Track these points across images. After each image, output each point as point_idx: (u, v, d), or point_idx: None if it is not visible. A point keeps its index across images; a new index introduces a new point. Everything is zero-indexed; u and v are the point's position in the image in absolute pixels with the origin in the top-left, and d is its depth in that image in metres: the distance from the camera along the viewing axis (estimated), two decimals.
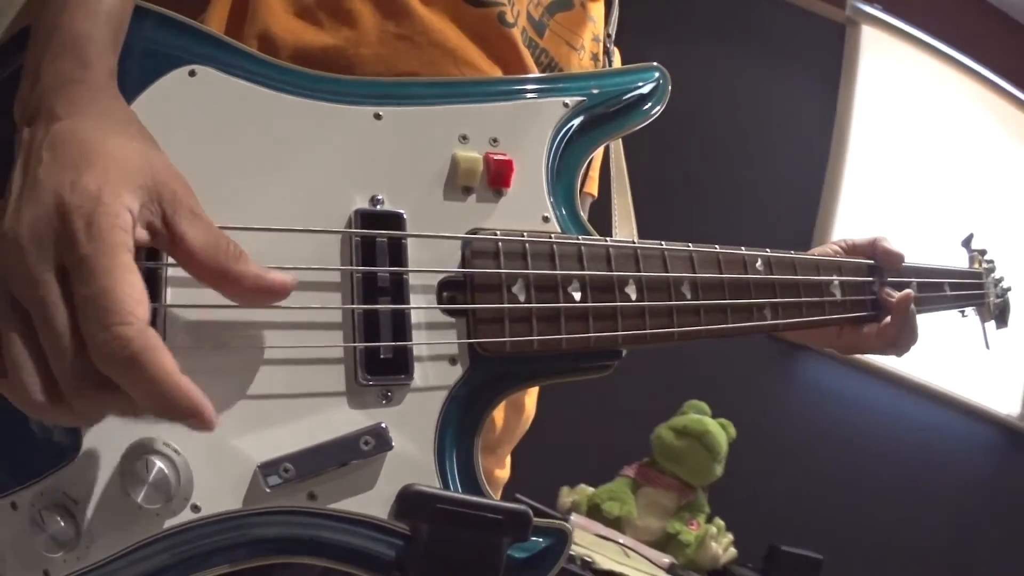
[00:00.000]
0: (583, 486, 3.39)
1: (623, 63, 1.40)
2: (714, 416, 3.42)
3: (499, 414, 1.20)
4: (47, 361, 0.67)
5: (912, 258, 1.41)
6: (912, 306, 1.34)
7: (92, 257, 0.66)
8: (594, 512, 3.23)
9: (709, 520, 3.36)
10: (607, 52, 1.33)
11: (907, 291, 1.35)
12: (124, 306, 0.65)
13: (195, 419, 0.70)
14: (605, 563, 2.82)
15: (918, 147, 4.80)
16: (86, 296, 0.65)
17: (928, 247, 4.25)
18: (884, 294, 1.35)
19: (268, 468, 0.83)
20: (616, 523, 3.22)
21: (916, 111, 4.84)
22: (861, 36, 4.69)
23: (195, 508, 0.81)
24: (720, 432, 3.35)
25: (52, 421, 0.71)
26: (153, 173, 0.73)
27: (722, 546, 3.27)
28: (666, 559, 3.14)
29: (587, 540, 2.97)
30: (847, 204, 4.51)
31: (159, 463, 0.78)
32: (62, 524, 0.76)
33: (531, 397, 1.30)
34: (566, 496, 3.35)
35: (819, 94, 4.60)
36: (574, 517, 3.11)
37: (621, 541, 3.11)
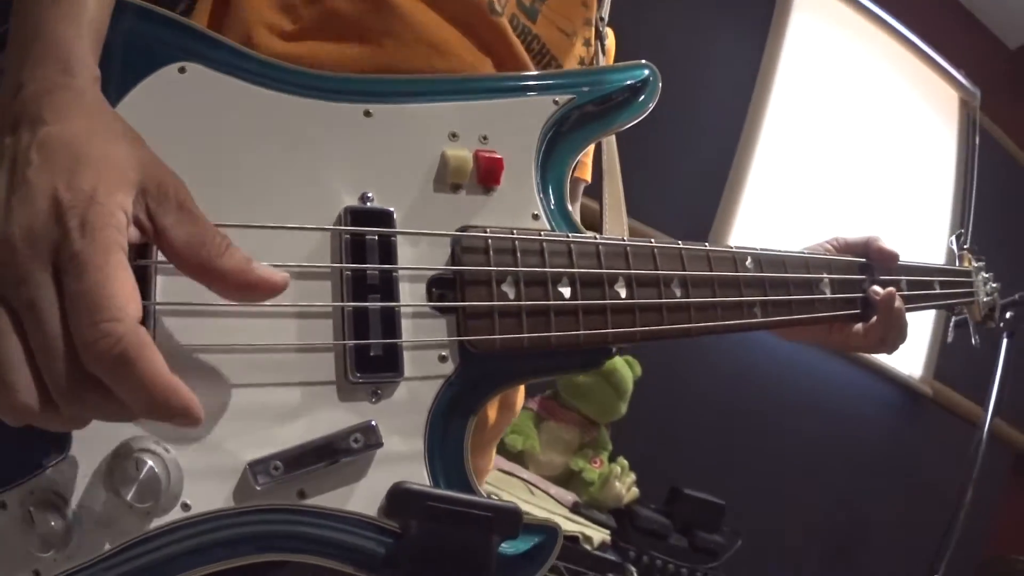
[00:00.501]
0: None
1: (617, 45, 1.40)
2: (621, 354, 3.37)
3: (491, 412, 1.21)
4: (36, 364, 0.67)
5: (904, 256, 1.42)
6: (897, 303, 1.35)
7: (84, 253, 0.65)
8: (497, 445, 3.19)
9: (612, 459, 3.35)
10: (599, 36, 1.32)
11: (890, 289, 1.36)
12: (115, 302, 0.65)
13: (183, 418, 0.70)
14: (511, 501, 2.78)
15: (840, 112, 4.83)
16: (77, 292, 0.65)
17: (844, 218, 4.26)
18: (871, 292, 1.36)
19: (258, 466, 0.83)
20: (519, 457, 3.22)
21: (842, 73, 4.87)
22: None
23: (185, 507, 0.81)
24: (626, 370, 3.34)
25: (39, 426, 0.71)
26: (141, 169, 0.73)
27: (625, 486, 3.26)
28: (570, 497, 3.13)
29: (492, 476, 2.94)
30: (760, 166, 4.50)
31: (149, 462, 0.78)
32: (52, 523, 0.76)
33: (520, 393, 1.30)
34: None
35: (745, 49, 4.61)
36: None
37: (525, 477, 3.10)
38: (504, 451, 3.18)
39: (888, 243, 1.39)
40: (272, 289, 0.77)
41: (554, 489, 3.14)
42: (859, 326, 1.39)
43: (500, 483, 2.96)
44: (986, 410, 3.44)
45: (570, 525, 2.92)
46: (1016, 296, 3.27)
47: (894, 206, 4.94)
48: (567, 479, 3.27)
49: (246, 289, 0.75)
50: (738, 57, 4.58)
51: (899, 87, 5.16)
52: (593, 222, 1.13)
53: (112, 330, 0.64)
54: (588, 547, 2.88)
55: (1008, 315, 3.33)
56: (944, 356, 5.13)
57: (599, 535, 2.95)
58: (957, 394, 5.16)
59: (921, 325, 4.87)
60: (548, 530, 0.96)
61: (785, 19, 4.65)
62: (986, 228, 5.17)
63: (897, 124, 5.13)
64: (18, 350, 0.66)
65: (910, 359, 5.12)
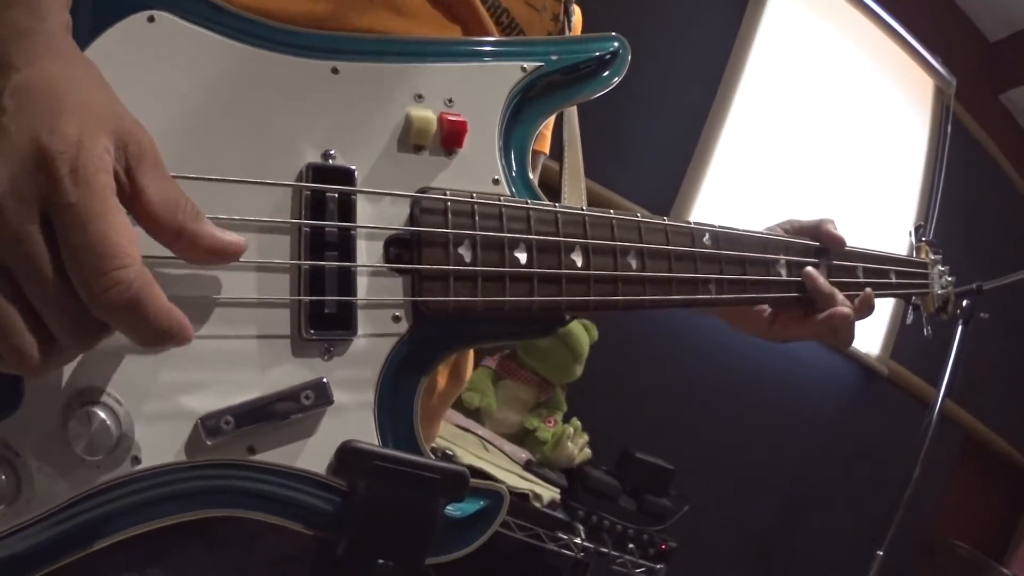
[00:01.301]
0: None
1: (583, 21, 1.40)
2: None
3: (441, 379, 1.21)
4: (39, 320, 0.67)
5: (857, 242, 1.42)
6: (821, 282, 1.33)
7: (82, 203, 0.65)
8: (454, 402, 3.23)
9: (567, 419, 3.41)
10: (567, 12, 1.32)
11: (807, 268, 1.34)
12: (120, 249, 0.65)
13: (179, 340, 0.72)
14: (466, 457, 2.86)
15: (810, 94, 4.84)
16: (79, 244, 0.64)
17: (809, 200, 4.28)
18: (805, 274, 1.33)
19: (209, 420, 0.83)
20: (475, 414, 3.28)
21: (815, 55, 4.87)
22: None
23: (135, 460, 0.81)
24: (583, 333, 3.39)
25: (43, 374, 0.72)
26: (119, 121, 0.72)
27: (577, 446, 3.33)
28: (523, 455, 3.21)
29: (448, 431, 3.02)
30: (726, 146, 4.50)
31: (101, 414, 0.77)
32: (3, 477, 0.76)
33: (470, 364, 1.31)
34: None
35: (721, 25, 4.59)
36: None
37: (480, 434, 3.17)
38: (461, 407, 3.24)
39: (837, 228, 1.39)
40: (236, 253, 0.78)
41: (508, 446, 3.21)
42: (804, 318, 1.38)
43: (455, 438, 3.00)
44: (938, 392, 3.51)
45: (521, 483, 2.97)
46: (973, 285, 3.34)
47: (861, 191, 4.95)
48: (522, 437, 3.34)
49: (215, 253, 0.76)
50: (713, 33, 4.55)
51: (874, 71, 5.16)
52: (555, 185, 1.13)
53: (123, 277, 0.65)
54: (538, 505, 2.94)
55: (964, 303, 3.40)
56: (902, 337, 5.19)
57: (549, 494, 3.01)
58: (913, 375, 5.23)
59: (882, 306, 4.94)
60: (494, 494, 0.97)
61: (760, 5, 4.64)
62: (952, 216, 5.24)
63: (869, 108, 5.13)
64: (15, 311, 0.65)
65: (869, 338, 5.18)
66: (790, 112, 4.75)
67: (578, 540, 3.03)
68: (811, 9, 4.84)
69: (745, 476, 4.68)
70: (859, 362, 5.11)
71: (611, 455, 3.55)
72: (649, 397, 4.29)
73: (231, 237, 0.77)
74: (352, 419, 0.91)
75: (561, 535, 3.02)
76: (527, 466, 3.19)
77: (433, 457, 0.93)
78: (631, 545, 3.20)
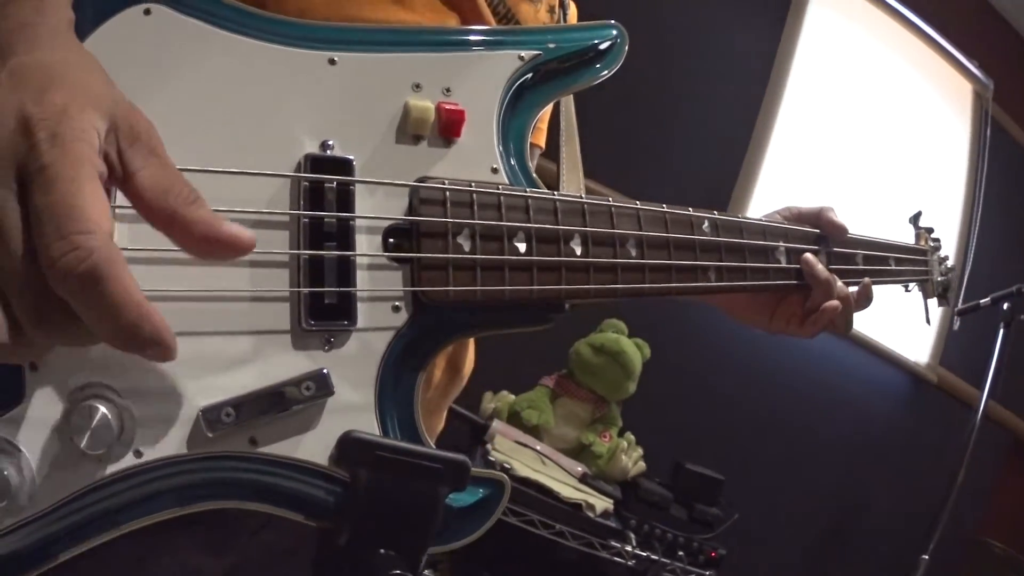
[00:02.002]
0: (505, 393, 3.55)
1: (579, 16, 1.40)
2: (631, 335, 3.55)
3: (437, 373, 1.21)
4: (6, 301, 0.64)
5: (853, 225, 1.41)
6: (819, 268, 1.33)
7: (55, 165, 0.63)
8: (514, 419, 3.39)
9: (621, 434, 3.52)
10: (563, 4, 1.32)
11: (806, 254, 1.34)
12: (86, 213, 0.63)
13: (154, 347, 0.67)
14: (523, 470, 3.00)
15: (854, 101, 4.83)
16: (45, 204, 0.62)
17: (855, 206, 4.30)
18: (802, 260, 1.33)
19: (210, 412, 0.83)
20: (534, 430, 3.38)
21: (857, 63, 4.87)
22: None
23: (138, 453, 0.81)
24: (635, 352, 3.50)
25: (6, 361, 0.69)
26: (115, 104, 0.71)
27: (632, 459, 3.44)
28: (579, 468, 3.31)
29: (506, 447, 3.14)
30: (775, 151, 4.54)
31: (102, 408, 0.78)
32: (4, 472, 0.75)
33: (469, 358, 1.31)
34: (488, 402, 3.51)
35: (762, 34, 4.60)
36: (495, 423, 3.26)
37: (538, 448, 3.27)
38: (520, 424, 3.35)
39: (838, 215, 1.39)
40: (238, 247, 0.73)
41: (565, 460, 3.32)
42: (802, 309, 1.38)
43: (513, 453, 3.14)
44: (981, 395, 3.54)
45: (575, 493, 3.11)
46: (1014, 288, 3.36)
47: (905, 196, 4.94)
48: (578, 452, 3.44)
49: (211, 242, 0.71)
50: (754, 47, 4.60)
51: (912, 77, 5.16)
52: (551, 185, 1.13)
53: (83, 242, 0.61)
54: (591, 514, 3.07)
55: (1006, 306, 3.43)
56: (951, 343, 5.18)
57: (602, 504, 3.14)
58: (962, 381, 5.22)
59: (931, 313, 4.91)
60: (495, 483, 0.97)
61: (802, 9, 4.65)
62: (993, 219, 5.23)
63: (910, 114, 5.15)
64: None
65: (916, 346, 5.18)
66: (833, 121, 4.77)
67: (630, 548, 3.15)
68: (848, 18, 4.86)
69: (794, 485, 4.72)
70: (907, 370, 5.10)
71: (665, 467, 3.67)
72: (702, 410, 4.39)
73: (234, 229, 0.73)
74: (353, 409, 0.91)
75: (614, 543, 3.14)
76: (583, 479, 3.29)
77: (434, 446, 0.93)
78: (681, 552, 3.32)
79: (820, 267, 1.32)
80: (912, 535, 3.71)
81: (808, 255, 1.33)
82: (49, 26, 0.74)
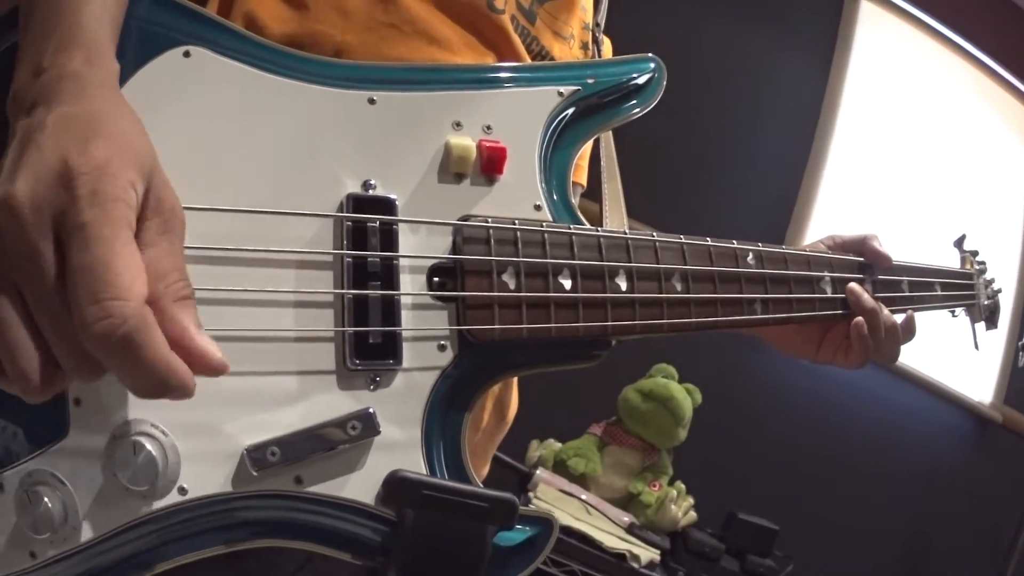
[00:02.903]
0: (551, 441, 3.48)
1: (614, 52, 1.40)
2: (681, 381, 3.47)
3: (484, 415, 1.21)
4: (44, 341, 0.65)
5: (903, 254, 1.40)
6: (864, 298, 1.31)
7: (92, 225, 0.63)
8: (560, 467, 3.32)
9: (671, 483, 3.42)
10: (596, 41, 1.32)
11: (851, 284, 1.32)
12: (121, 280, 0.63)
13: (177, 394, 0.68)
14: (565, 519, 2.91)
15: (908, 130, 4.77)
16: (82, 265, 0.63)
17: (912, 236, 4.26)
18: (847, 289, 1.32)
19: (255, 451, 0.83)
20: (581, 479, 3.29)
21: (909, 92, 4.82)
22: (859, 9, 4.64)
23: (182, 490, 0.81)
24: (685, 398, 3.40)
25: (47, 395, 0.69)
26: (152, 171, 0.71)
27: (682, 509, 3.33)
28: (626, 518, 3.22)
29: (550, 495, 3.07)
30: (829, 183, 4.48)
31: (147, 445, 0.78)
32: (49, 505, 0.76)
33: (513, 402, 1.31)
34: (534, 450, 3.46)
35: (811, 68, 4.57)
36: (540, 471, 3.19)
37: (584, 498, 3.18)
38: (566, 473, 3.28)
39: (882, 244, 1.38)
40: (205, 364, 0.70)
41: (611, 510, 3.24)
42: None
43: (557, 502, 3.07)
44: None
45: (619, 543, 3.01)
46: None
47: (965, 224, 4.88)
48: (627, 502, 3.35)
49: (178, 345, 0.68)
50: (804, 77, 4.57)
51: (969, 102, 5.08)
52: (594, 222, 1.13)
53: (117, 310, 0.62)
54: (635, 565, 2.96)
55: None
56: (1015, 380, 5.09)
57: (647, 554, 3.03)
58: None
59: (992, 350, 4.83)
60: (544, 522, 0.96)
61: (850, 35, 4.61)
62: None
63: (967, 141, 5.06)
64: (24, 333, 0.65)
65: (979, 385, 5.06)
66: (888, 150, 4.71)
67: None
68: (899, 41, 4.81)
69: (853, 534, 4.60)
70: (971, 411, 4.99)
71: (717, 517, 3.57)
72: (756, 457, 4.28)
73: (205, 345, 0.70)
74: (399, 448, 0.90)
75: None
76: (630, 529, 3.20)
77: (480, 485, 0.93)
78: None
79: (866, 296, 1.31)
80: None
81: (853, 284, 1.32)
82: (97, 78, 0.75)
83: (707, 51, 4.19)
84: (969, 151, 5.02)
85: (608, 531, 3.06)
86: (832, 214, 4.43)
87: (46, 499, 0.76)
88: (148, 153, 0.72)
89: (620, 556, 2.96)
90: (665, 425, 3.38)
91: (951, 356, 4.41)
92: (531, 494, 3.03)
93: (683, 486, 3.41)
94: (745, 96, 4.37)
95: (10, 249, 0.64)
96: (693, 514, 3.39)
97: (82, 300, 0.62)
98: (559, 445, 3.44)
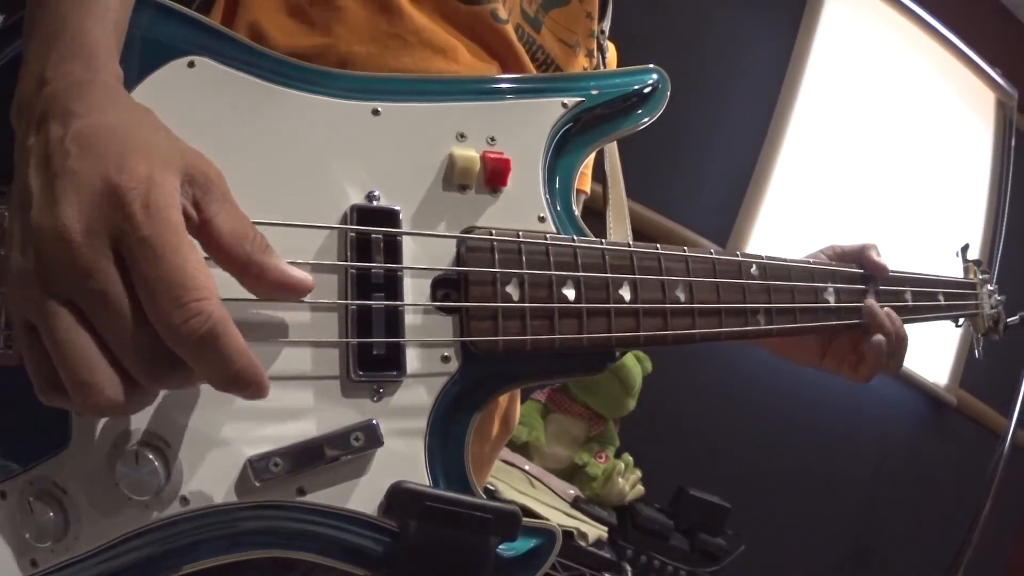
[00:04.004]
0: None
1: (619, 56, 1.40)
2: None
3: (492, 429, 1.21)
4: (112, 355, 0.67)
5: (889, 251, 1.40)
6: (881, 316, 1.33)
7: (156, 236, 0.65)
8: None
9: (618, 454, 3.37)
10: (601, 48, 1.32)
11: (868, 302, 1.34)
12: (198, 281, 0.65)
13: (255, 389, 0.71)
14: (508, 492, 2.84)
15: (871, 111, 4.76)
16: (155, 276, 0.65)
17: (873, 220, 4.21)
18: (866, 305, 1.34)
19: (258, 462, 0.83)
20: (523, 448, 3.25)
21: (873, 73, 4.80)
22: None
23: (184, 501, 0.81)
24: (636, 366, 3.34)
25: (120, 415, 0.72)
26: (184, 157, 0.72)
27: (629, 483, 3.28)
28: (571, 491, 3.16)
29: (493, 466, 2.95)
30: (786, 164, 4.44)
31: (149, 455, 0.78)
32: (51, 514, 0.76)
33: (517, 412, 1.31)
34: None
35: (775, 42, 4.53)
36: None
37: (527, 469, 3.13)
38: (509, 442, 3.15)
39: (879, 255, 1.39)
40: (304, 290, 0.78)
41: (556, 482, 3.17)
42: (855, 343, 1.37)
43: (501, 474, 2.98)
44: (1009, 422, 3.45)
45: (566, 520, 2.93)
46: None
47: (926, 208, 4.87)
48: (571, 473, 3.29)
49: (282, 288, 0.76)
50: (768, 50, 4.52)
51: (934, 85, 5.08)
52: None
53: (202, 308, 0.65)
54: (583, 543, 2.89)
55: None
56: (970, 365, 5.08)
57: (595, 532, 2.96)
58: (983, 404, 5.11)
59: (949, 334, 4.83)
60: (547, 533, 0.96)
61: (817, 11, 4.58)
62: (1020, 232, 5.13)
63: (931, 123, 5.05)
64: (92, 347, 0.66)
65: (936, 367, 5.06)
66: (850, 128, 4.69)
67: None
68: (866, 20, 4.79)
69: (806, 513, 4.57)
70: (926, 392, 4.99)
71: (666, 492, 3.51)
72: (706, 431, 4.20)
73: (299, 274, 0.77)
74: (402, 460, 0.90)
75: (607, 575, 2.96)
76: (575, 503, 3.14)
77: (485, 497, 0.93)
78: None
79: (882, 314, 1.33)
80: (934, 570, 3.61)
81: (870, 302, 1.34)
82: (102, 83, 0.75)
83: (667, 24, 4.15)
84: (932, 133, 5.01)
85: (553, 506, 2.99)
86: (789, 192, 4.40)
87: (48, 507, 0.76)
88: (174, 148, 0.73)
89: (567, 534, 2.87)
90: (614, 394, 3.32)
91: (909, 337, 4.40)
92: None
93: (630, 458, 3.36)
94: (705, 72, 4.32)
95: (68, 276, 0.65)
96: (640, 488, 3.33)
97: (166, 308, 0.65)
98: None
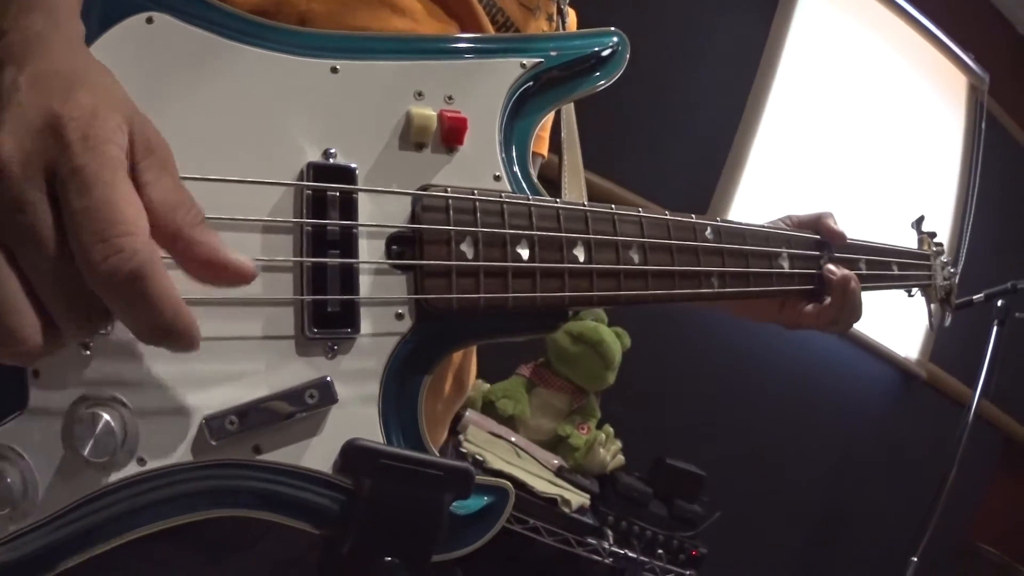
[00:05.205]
0: (479, 382, 3.49)
1: (578, 23, 1.40)
2: (610, 325, 3.49)
3: (444, 385, 1.21)
4: (37, 300, 0.64)
5: (850, 226, 1.42)
6: (852, 286, 1.35)
7: (90, 167, 0.63)
8: (488, 409, 3.35)
9: (600, 426, 3.46)
10: (561, 13, 1.32)
11: (845, 273, 1.36)
12: (125, 216, 0.63)
13: (185, 340, 0.68)
14: (496, 462, 2.94)
15: (845, 94, 4.83)
16: (83, 208, 0.62)
17: (843, 199, 4.27)
18: (826, 271, 1.36)
19: (214, 421, 0.83)
20: (509, 421, 3.32)
21: (848, 55, 4.87)
22: None
23: (141, 461, 0.81)
24: (615, 342, 3.43)
25: (39, 359, 0.68)
26: (133, 115, 0.71)
27: (610, 453, 3.39)
28: (555, 461, 3.27)
29: (480, 438, 3.09)
30: (762, 144, 4.52)
31: (105, 415, 0.77)
32: (8, 480, 0.75)
33: (472, 371, 1.32)
34: None
35: (751, 23, 4.59)
36: (469, 413, 3.21)
37: (513, 440, 3.22)
38: (495, 414, 3.31)
39: (836, 222, 1.40)
40: (239, 276, 0.73)
41: (540, 453, 3.27)
42: (812, 305, 1.39)
43: (487, 445, 3.07)
44: (973, 394, 3.52)
45: (550, 488, 3.04)
46: (1008, 285, 3.35)
47: (897, 190, 4.95)
48: (555, 444, 3.39)
49: (212, 266, 0.72)
50: (743, 35, 4.56)
51: (907, 69, 5.16)
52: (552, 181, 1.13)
53: (126, 244, 0.62)
54: (566, 510, 3.00)
55: (999, 303, 3.42)
56: (941, 339, 5.17)
57: (578, 499, 3.07)
58: (951, 377, 5.21)
59: (918, 308, 4.93)
60: (499, 491, 0.97)
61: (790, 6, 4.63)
62: (988, 214, 5.22)
63: (903, 107, 5.15)
64: (17, 289, 0.63)
65: (907, 341, 5.17)
66: (824, 111, 4.76)
67: (607, 545, 3.08)
68: (841, 8, 4.83)
69: (779, 482, 4.69)
70: (896, 365, 5.09)
71: (645, 462, 3.61)
72: (683, 403, 4.35)
73: (237, 257, 0.73)
74: (357, 417, 0.91)
75: (590, 540, 3.07)
76: (559, 472, 3.24)
77: (438, 454, 0.93)
78: (661, 551, 3.25)
79: (855, 283, 1.35)
80: (901, 536, 3.70)
81: (830, 267, 1.36)
82: (63, 38, 0.74)
83: (645, 4, 4.16)
84: (905, 115, 5.09)
85: (538, 475, 3.09)
86: (763, 175, 4.48)
87: (5, 474, 0.76)
88: (127, 100, 0.72)
89: (551, 501, 2.99)
90: (594, 368, 3.40)
91: (880, 312, 4.47)
92: (461, 436, 3.03)
93: (611, 429, 3.45)
94: (682, 46, 4.34)
95: (1, 208, 0.63)
96: (621, 458, 3.44)
97: (87, 242, 0.62)
98: (487, 386, 3.45)
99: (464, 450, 2.95)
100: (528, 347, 3.56)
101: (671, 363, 4.28)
